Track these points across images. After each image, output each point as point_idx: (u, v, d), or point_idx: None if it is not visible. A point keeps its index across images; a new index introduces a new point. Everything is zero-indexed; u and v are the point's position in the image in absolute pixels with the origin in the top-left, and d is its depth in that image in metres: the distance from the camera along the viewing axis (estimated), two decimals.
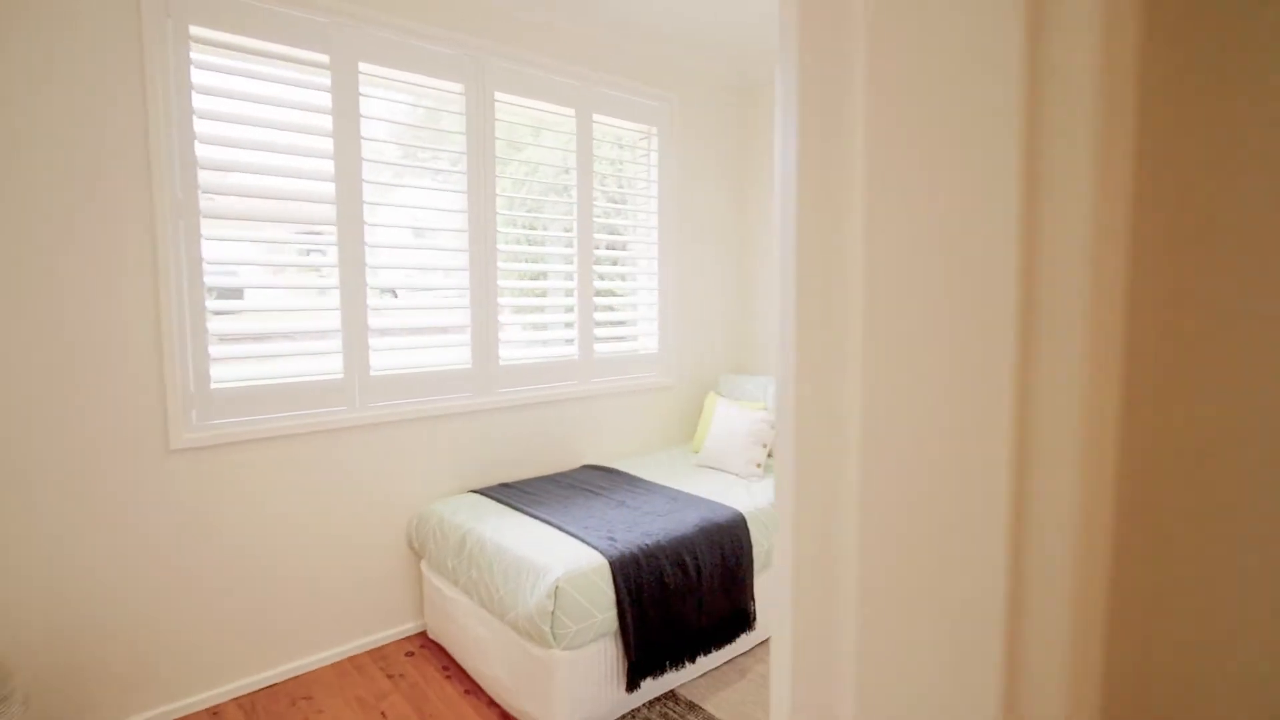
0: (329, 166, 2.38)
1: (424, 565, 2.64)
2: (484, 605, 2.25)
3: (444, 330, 2.81)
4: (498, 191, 2.84)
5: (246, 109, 2.23)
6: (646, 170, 3.49)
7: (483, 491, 2.72)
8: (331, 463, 2.46)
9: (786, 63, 0.44)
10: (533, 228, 3.03)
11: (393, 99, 2.60)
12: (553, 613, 1.97)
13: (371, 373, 2.54)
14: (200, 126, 2.14)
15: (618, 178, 3.40)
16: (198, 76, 2.13)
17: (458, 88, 2.71)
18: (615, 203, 3.38)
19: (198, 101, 2.13)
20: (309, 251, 2.58)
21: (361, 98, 2.44)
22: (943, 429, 0.39)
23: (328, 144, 2.37)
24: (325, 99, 2.36)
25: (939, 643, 0.41)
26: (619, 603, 2.07)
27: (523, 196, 3.03)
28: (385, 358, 2.60)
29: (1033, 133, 0.35)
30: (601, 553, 2.14)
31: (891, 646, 0.43)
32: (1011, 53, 0.35)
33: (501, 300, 2.89)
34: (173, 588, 2.17)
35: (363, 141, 2.45)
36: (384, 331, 2.61)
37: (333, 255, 2.43)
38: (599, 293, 3.29)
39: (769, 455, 3.34)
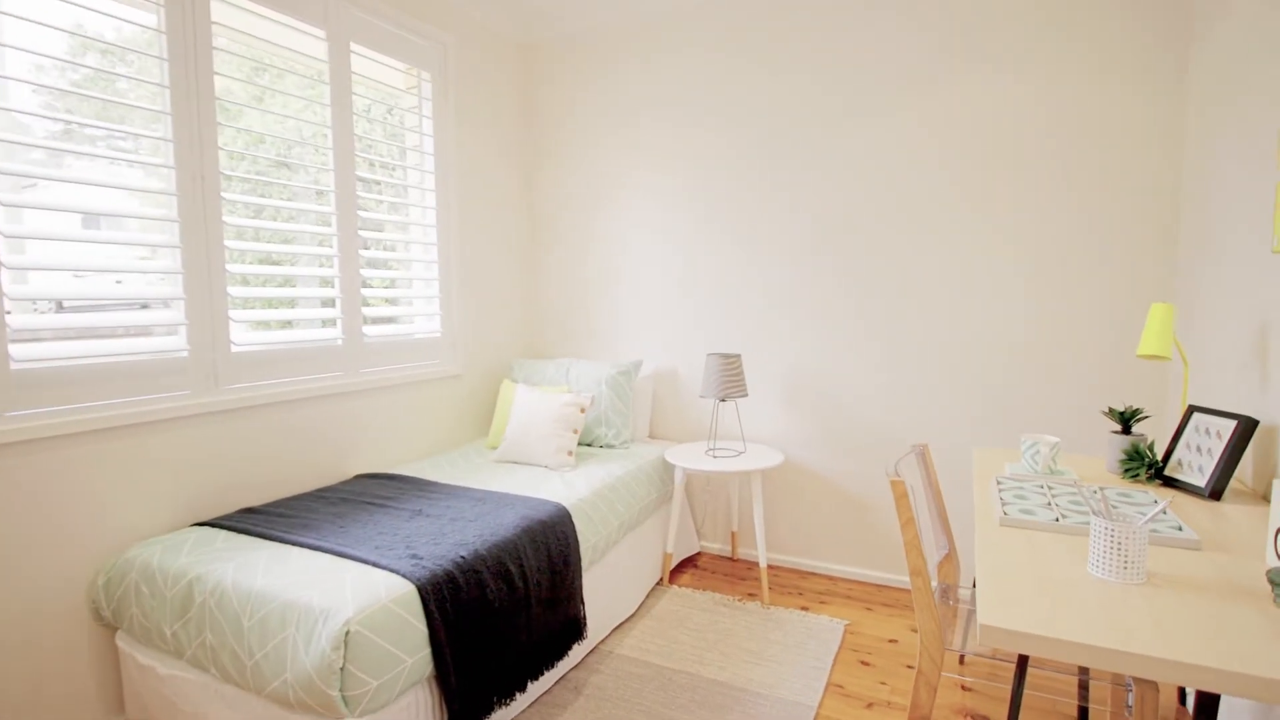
0: None
1: (121, 639, 1.84)
2: (230, 679, 1.60)
3: (144, 304, 2.02)
4: (220, 121, 2.12)
5: None
6: (419, 122, 2.96)
7: (216, 522, 1.99)
8: None
9: None
10: (261, 173, 2.34)
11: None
12: (342, 669, 1.44)
13: (13, 365, 1.69)
14: None
15: (385, 126, 2.82)
16: None
17: None
18: (383, 158, 2.80)
19: None
20: None
21: None
22: None
23: None
24: None
25: None
26: (434, 638, 1.60)
27: (269, 133, 2.32)
28: (37, 344, 1.76)
29: None
30: (405, 576, 1.64)
31: None
32: None
33: (232, 268, 2.17)
34: None
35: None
36: (34, 300, 1.77)
37: None
38: (369, 264, 2.69)
39: (580, 442, 3.06)
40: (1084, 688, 1.80)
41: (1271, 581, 1.07)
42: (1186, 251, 2.28)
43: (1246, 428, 1.55)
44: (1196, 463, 1.65)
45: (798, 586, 2.92)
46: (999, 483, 1.68)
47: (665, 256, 3.27)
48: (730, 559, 3.22)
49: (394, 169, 2.88)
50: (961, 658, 2.31)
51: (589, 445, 3.07)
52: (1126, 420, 1.80)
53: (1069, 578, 1.16)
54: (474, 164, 3.21)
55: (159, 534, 1.99)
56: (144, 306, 2.07)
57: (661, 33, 3.17)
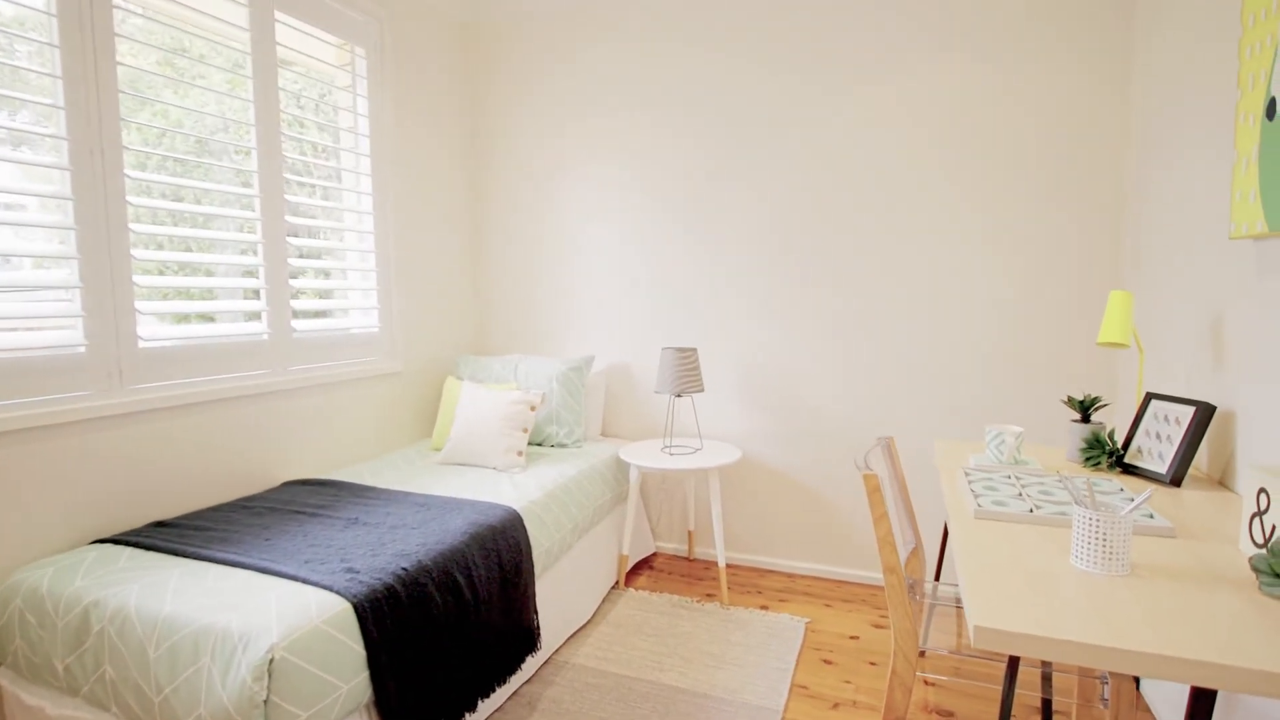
0: None
1: (3, 676, 1.60)
2: (134, 718, 1.41)
3: (32, 293, 1.77)
4: (125, 90, 1.89)
5: None
6: (353, 101, 2.76)
7: (120, 539, 1.77)
8: None
9: None
10: (174, 151, 2.11)
11: None
12: (266, 702, 1.27)
13: None
14: None
15: (316, 104, 2.61)
16: None
17: None
18: (313, 139, 2.59)
19: None
20: None
21: None
22: None
23: None
24: None
25: None
26: (373, 660, 1.45)
27: (188, 106, 2.09)
28: None
29: None
30: (339, 593, 1.48)
31: None
32: None
33: (139, 254, 1.95)
34: None
35: None
36: None
37: None
38: (298, 253, 2.48)
39: (530, 441, 2.92)
40: (1047, 679, 1.79)
41: (1255, 569, 1.04)
42: (1138, 239, 2.31)
43: (1205, 414, 1.56)
44: (1156, 449, 1.66)
45: (756, 585, 2.86)
46: (967, 474, 1.64)
47: (619, 248, 3.16)
48: (687, 559, 3.14)
49: (326, 151, 2.67)
50: (922, 652, 2.28)
51: (539, 445, 2.93)
52: (1086, 409, 1.80)
53: (1052, 571, 1.11)
54: (414, 148, 3.02)
55: (51, 554, 1.76)
56: (35, 299, 1.82)
57: (617, 16, 3.06)
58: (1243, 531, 1.20)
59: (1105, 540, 1.09)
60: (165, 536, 1.78)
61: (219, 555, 1.65)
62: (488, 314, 3.46)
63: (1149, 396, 1.74)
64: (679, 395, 2.76)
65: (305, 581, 1.52)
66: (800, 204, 2.83)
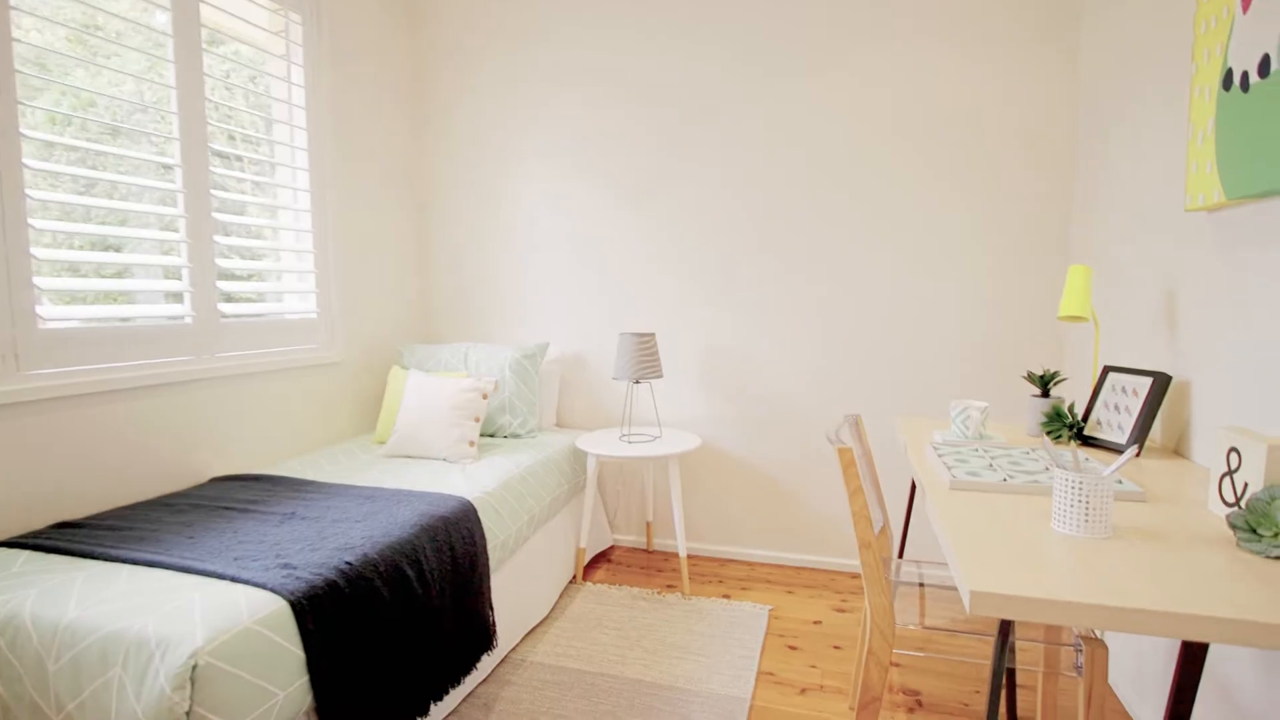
0: None
1: None
2: None
3: None
4: (18, 37, 1.68)
5: None
6: (287, 70, 2.57)
7: (17, 541, 1.57)
8: None
9: None
10: (83, 112, 1.90)
11: None
12: (188, 714, 1.13)
13: None
14: None
15: (252, 75, 2.42)
16: None
17: None
18: (240, 108, 2.39)
19: None
20: None
21: None
22: None
23: None
24: None
25: None
26: (313, 663, 1.32)
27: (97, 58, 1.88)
28: None
29: None
30: (274, 591, 1.34)
31: None
32: None
33: (39, 224, 1.74)
34: None
35: None
36: None
37: None
38: (225, 230, 2.28)
39: (481, 432, 2.79)
40: (1011, 648, 1.78)
41: (1233, 526, 1.04)
42: (1090, 215, 2.36)
43: (1162, 383, 1.58)
44: (1115, 421, 1.67)
45: (717, 575, 2.81)
46: (936, 448, 1.62)
47: (574, 233, 3.06)
48: (645, 551, 3.07)
49: (258, 123, 2.47)
50: None
51: (491, 436, 2.81)
52: (1045, 383, 1.81)
53: (1034, 536, 1.08)
54: (354, 124, 2.84)
55: None
56: None
57: None
58: (1211, 492, 1.20)
59: (1087, 503, 1.07)
60: (71, 538, 1.59)
61: (134, 555, 1.47)
62: (435, 300, 3.30)
63: (1106, 370, 1.77)
64: (637, 382, 2.68)
65: (234, 580, 1.37)
66: (759, 190, 2.79)
